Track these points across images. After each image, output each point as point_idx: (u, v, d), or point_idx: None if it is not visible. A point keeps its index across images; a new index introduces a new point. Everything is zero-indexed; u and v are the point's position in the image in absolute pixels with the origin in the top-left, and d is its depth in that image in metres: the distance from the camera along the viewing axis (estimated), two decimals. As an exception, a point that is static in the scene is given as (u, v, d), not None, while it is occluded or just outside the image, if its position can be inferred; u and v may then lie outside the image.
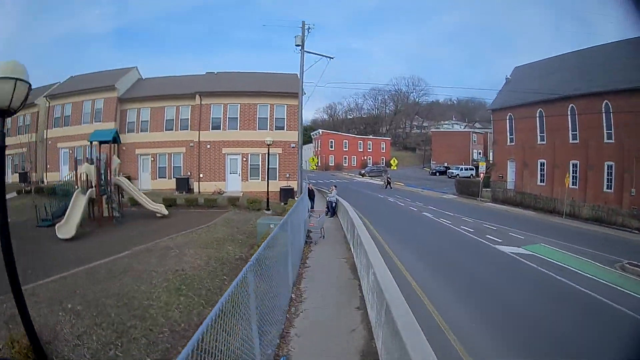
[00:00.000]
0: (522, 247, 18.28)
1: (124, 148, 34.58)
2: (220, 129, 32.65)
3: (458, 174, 59.28)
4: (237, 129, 32.36)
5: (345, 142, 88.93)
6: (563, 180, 33.07)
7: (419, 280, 12.46)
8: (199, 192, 32.00)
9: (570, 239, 20.73)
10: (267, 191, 25.89)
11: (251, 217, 21.68)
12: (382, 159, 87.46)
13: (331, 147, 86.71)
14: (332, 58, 28.22)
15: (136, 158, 35.11)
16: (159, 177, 34.71)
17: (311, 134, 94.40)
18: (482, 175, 39.86)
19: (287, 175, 31.97)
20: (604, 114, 33.36)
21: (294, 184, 30.19)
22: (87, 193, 20.46)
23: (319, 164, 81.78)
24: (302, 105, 28.01)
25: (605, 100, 33.07)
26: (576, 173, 35.44)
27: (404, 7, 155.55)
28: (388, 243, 17.53)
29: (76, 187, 21.30)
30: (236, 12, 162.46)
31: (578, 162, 35.64)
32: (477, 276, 13.90)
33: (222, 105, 32.64)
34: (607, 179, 33.24)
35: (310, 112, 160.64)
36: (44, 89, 39.17)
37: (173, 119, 34.53)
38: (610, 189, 32.89)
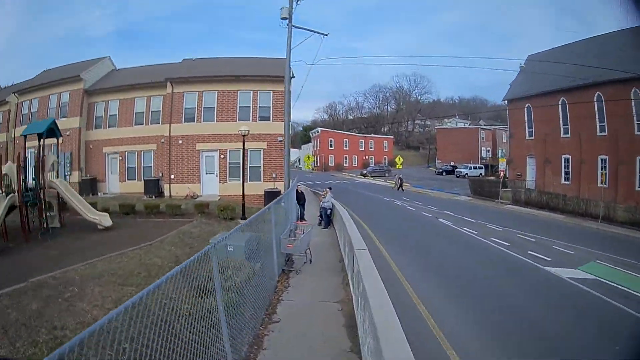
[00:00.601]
0: (578, 269, 13.65)
1: (91, 146, 30.53)
2: (194, 121, 27.64)
3: (467, 173, 56.44)
4: (213, 121, 27.33)
5: (346, 141, 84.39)
6: (590, 177, 30.16)
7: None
8: (170, 195, 27.10)
9: (621, 251, 16.64)
10: (243, 194, 20.74)
11: (219, 229, 16.57)
12: (385, 158, 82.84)
13: (331, 147, 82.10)
14: (326, 35, 23.35)
15: (104, 157, 30.52)
16: (128, 179, 29.93)
17: (310, 132, 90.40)
18: (501, 173, 35.05)
19: (274, 176, 26.78)
20: (633, 102, 29.34)
21: (282, 186, 24.93)
22: (7, 200, 16.22)
23: (318, 164, 77.63)
24: (289, 90, 22.81)
25: (634, 88, 29.09)
26: (605, 169, 30.75)
27: (403, 6, 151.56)
28: (406, 273, 12.25)
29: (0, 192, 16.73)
30: (236, 13, 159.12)
31: (607, 157, 31.15)
32: (557, 329, 8.91)
33: (197, 93, 27.63)
34: (640, 176, 28.98)
35: (310, 112, 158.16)
36: (19, 86, 35.73)
37: (143, 112, 29.74)
38: (644, 187, 28.65)
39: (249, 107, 27.27)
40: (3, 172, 17.31)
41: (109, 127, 30.50)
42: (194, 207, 20.67)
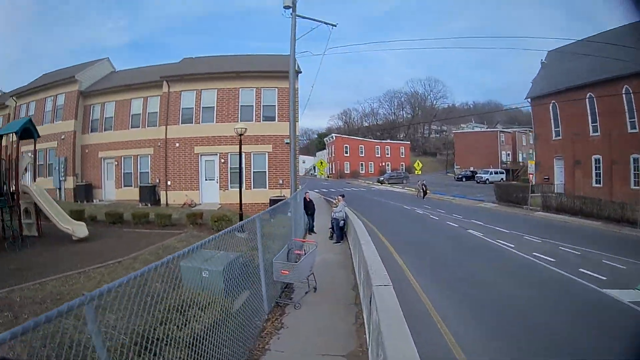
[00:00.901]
0: (637, 289, 11.15)
1: (86, 151, 28.70)
2: (192, 122, 25.24)
3: (487, 179, 53.97)
4: (213, 122, 24.87)
5: (362, 147, 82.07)
6: (623, 179, 28.43)
7: None
8: (167, 204, 24.84)
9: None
10: (240, 203, 17.77)
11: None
12: (402, 164, 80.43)
13: (346, 153, 79.87)
14: (335, 26, 20.63)
15: (100, 162, 28.57)
16: (124, 186, 27.84)
17: (324, 139, 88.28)
18: (530, 177, 32.05)
19: (281, 182, 24.21)
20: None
21: (289, 193, 22.19)
22: None
23: (333, 172, 75.36)
24: (294, 84, 19.99)
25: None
26: (638, 170, 28.34)
27: (414, 12, 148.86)
28: (442, 311, 9.21)
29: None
30: (246, 22, 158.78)
31: (640, 156, 28.39)
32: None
33: (195, 92, 25.24)
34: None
35: (324, 120, 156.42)
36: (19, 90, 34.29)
37: (140, 114, 27.65)
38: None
39: (252, 106, 24.77)
40: None
41: (105, 130, 28.68)
42: (186, 217, 18.23)
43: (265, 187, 24.38)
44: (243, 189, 23.21)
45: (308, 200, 17.82)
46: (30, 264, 12.19)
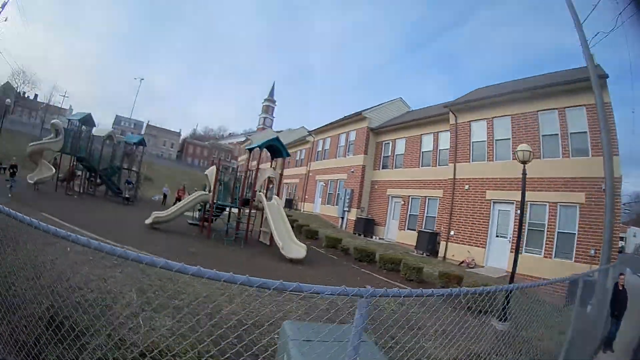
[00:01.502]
0: None
1: (376, 187, 28.54)
2: (484, 159, 20.11)
3: None
4: (508, 159, 18.37)
5: None
6: None
7: None
8: (444, 257, 20.56)
9: None
10: (512, 273, 10.80)
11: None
12: None
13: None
14: None
15: (387, 200, 27.29)
16: (407, 228, 25.10)
17: (662, 200, 67.04)
18: None
19: (592, 253, 15.16)
20: None
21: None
22: (197, 195, 19.21)
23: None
24: (600, 96, 11.14)
25: None
26: None
27: None
28: None
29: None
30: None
31: None
32: None
33: (485, 121, 20.20)
34: None
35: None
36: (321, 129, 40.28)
37: (430, 150, 24.77)
38: None
39: (556, 135, 17.30)
40: (205, 173, 20.68)
41: (395, 167, 27.54)
42: (439, 276, 13.70)
43: (571, 258, 16.00)
44: (543, 256, 16.89)
45: (621, 288, 9.88)
46: (208, 256, 13.03)
